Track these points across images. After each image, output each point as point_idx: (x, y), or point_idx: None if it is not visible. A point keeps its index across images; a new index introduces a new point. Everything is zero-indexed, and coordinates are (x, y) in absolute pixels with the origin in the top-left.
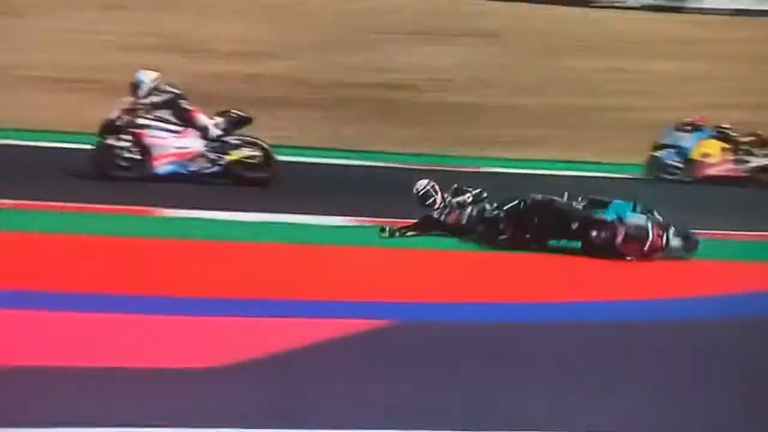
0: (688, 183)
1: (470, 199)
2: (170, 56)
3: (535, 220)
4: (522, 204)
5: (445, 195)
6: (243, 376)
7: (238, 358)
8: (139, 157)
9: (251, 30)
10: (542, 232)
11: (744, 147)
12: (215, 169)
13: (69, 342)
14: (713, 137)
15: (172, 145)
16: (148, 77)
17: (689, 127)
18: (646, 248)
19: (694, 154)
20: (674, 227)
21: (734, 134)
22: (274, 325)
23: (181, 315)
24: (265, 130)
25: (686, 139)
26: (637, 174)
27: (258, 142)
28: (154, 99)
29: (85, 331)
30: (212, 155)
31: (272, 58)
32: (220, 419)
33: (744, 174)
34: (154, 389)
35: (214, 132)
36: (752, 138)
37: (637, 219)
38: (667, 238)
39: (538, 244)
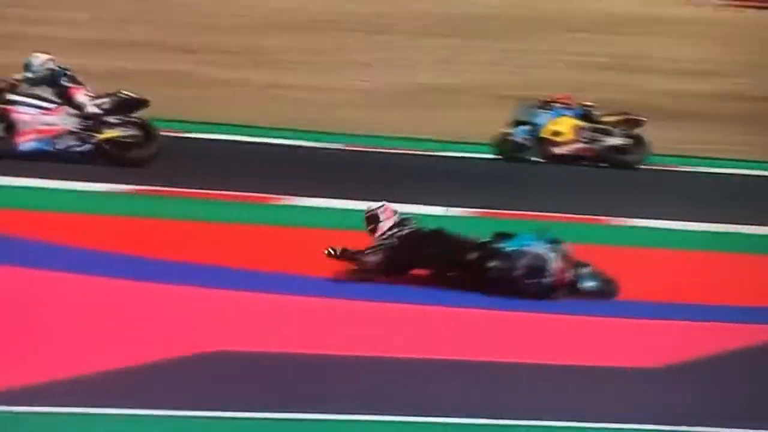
0: (536, 162)
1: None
2: (620, 74)
3: (428, 249)
4: (415, 233)
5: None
6: (686, 376)
7: (680, 358)
8: (2, 133)
9: (693, 49)
10: (437, 263)
11: (603, 126)
12: (85, 147)
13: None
14: (575, 115)
15: (38, 122)
16: (38, 60)
17: (553, 105)
18: (545, 281)
19: (544, 132)
20: (591, 268)
21: (597, 113)
22: (711, 329)
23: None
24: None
25: (541, 117)
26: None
27: (142, 122)
28: (30, 75)
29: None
30: (83, 133)
31: (711, 75)
32: (671, 417)
33: (595, 154)
34: (602, 386)
35: (91, 110)
36: (618, 117)
37: (537, 249)
38: (577, 275)
39: (438, 276)
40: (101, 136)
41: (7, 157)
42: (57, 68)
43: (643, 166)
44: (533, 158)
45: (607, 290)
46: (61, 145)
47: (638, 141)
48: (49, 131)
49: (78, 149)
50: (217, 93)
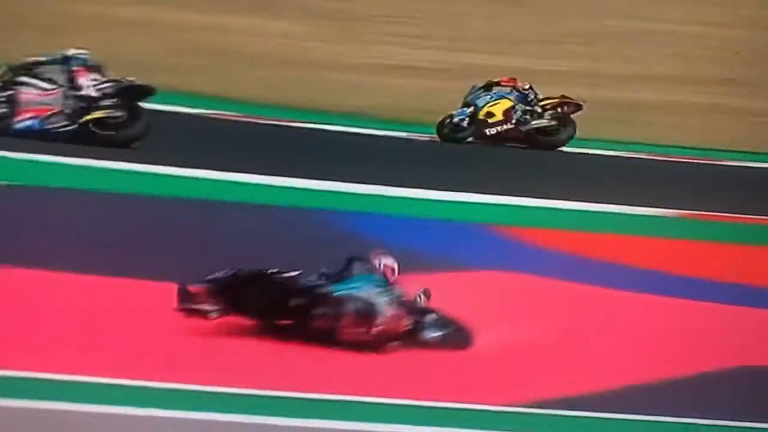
0: (470, 143)
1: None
2: None
3: (245, 295)
4: (232, 276)
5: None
6: None
7: None
8: (4, 110)
9: None
10: (256, 310)
11: (532, 109)
12: (72, 127)
13: None
14: (515, 98)
15: (37, 102)
16: (71, 52)
17: (495, 87)
18: (374, 330)
19: (481, 114)
20: (436, 315)
21: (534, 97)
22: None
23: None
24: None
25: (482, 99)
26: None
27: (130, 104)
28: (42, 59)
29: None
30: (74, 114)
31: None
32: None
33: (522, 135)
34: None
35: (89, 93)
36: (555, 101)
37: (368, 293)
38: (418, 324)
39: (263, 324)
40: (87, 117)
41: (2, 134)
42: (75, 55)
43: (565, 149)
44: (470, 139)
45: (454, 340)
46: (51, 124)
47: (563, 124)
48: (44, 111)
49: (65, 129)
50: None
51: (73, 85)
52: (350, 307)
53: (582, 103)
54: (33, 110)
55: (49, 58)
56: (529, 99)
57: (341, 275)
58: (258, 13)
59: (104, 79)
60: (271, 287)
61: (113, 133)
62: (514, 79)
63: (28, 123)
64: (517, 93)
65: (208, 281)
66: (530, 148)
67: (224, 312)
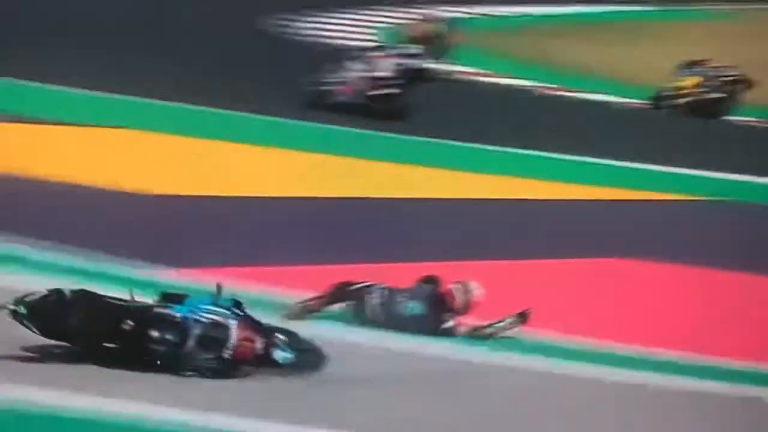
0: (659, 112)
1: None
2: None
3: (73, 317)
4: (56, 297)
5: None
6: None
7: None
8: (335, 87)
9: None
10: (86, 334)
11: (711, 84)
12: (359, 101)
13: None
14: (704, 75)
15: (349, 80)
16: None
17: (692, 65)
18: (225, 355)
19: (675, 88)
20: (287, 335)
21: (718, 74)
22: None
23: None
24: None
25: (681, 74)
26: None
27: (411, 84)
28: (379, 44)
29: None
30: (365, 91)
31: None
32: None
33: (695, 105)
34: None
35: (384, 73)
36: (733, 78)
37: (214, 315)
38: (268, 346)
39: (88, 349)
40: (371, 92)
41: (322, 106)
42: (398, 47)
43: (727, 118)
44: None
45: (304, 362)
46: (350, 98)
47: (729, 98)
48: (350, 88)
49: (355, 102)
50: None
51: (378, 67)
52: (198, 330)
53: (755, 81)
54: (346, 87)
55: (381, 45)
56: (716, 76)
57: (180, 298)
58: None
59: (404, 63)
60: (96, 309)
61: (390, 107)
62: (711, 60)
63: (341, 97)
64: (708, 71)
65: (17, 302)
66: (693, 116)
67: (45, 334)
